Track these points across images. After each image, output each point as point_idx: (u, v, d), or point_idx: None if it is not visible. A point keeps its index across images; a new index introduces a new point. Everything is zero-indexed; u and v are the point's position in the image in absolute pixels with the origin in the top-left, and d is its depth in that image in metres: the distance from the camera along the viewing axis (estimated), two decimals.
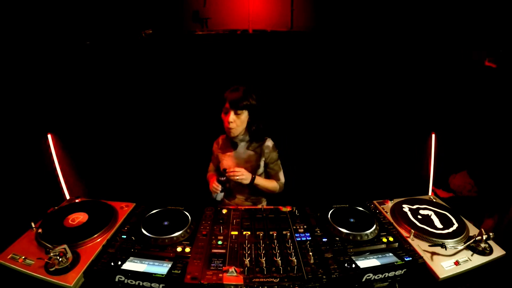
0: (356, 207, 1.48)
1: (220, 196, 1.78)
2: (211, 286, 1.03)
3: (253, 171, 1.84)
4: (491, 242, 1.24)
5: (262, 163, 1.88)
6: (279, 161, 1.95)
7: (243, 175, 1.69)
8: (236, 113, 1.70)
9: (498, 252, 1.21)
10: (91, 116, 2.59)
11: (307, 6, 3.94)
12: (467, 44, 2.56)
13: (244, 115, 1.74)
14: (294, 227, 1.35)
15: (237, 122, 1.73)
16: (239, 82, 1.80)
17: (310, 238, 1.27)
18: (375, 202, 1.57)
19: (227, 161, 1.89)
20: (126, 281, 1.05)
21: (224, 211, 1.46)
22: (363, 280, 1.08)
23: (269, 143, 1.90)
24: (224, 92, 1.76)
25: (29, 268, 1.09)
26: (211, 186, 1.76)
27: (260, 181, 1.82)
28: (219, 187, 1.71)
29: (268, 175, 1.95)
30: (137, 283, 1.05)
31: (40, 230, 1.21)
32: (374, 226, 1.31)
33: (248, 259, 1.12)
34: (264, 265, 1.11)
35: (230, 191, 1.92)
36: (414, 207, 1.50)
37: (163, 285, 1.03)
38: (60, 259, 1.07)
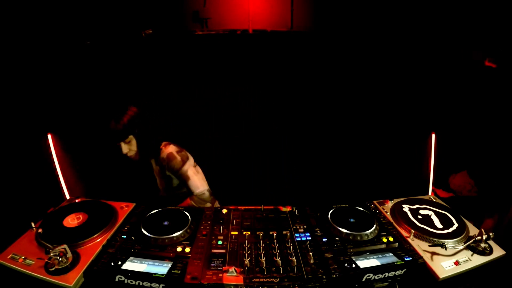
0: (356, 207, 1.47)
1: None
2: (211, 286, 1.03)
3: (168, 184, 1.80)
4: (491, 242, 1.24)
5: (167, 175, 1.81)
6: (186, 168, 1.77)
7: None
8: (125, 143, 1.67)
9: (498, 252, 1.21)
10: (91, 116, 2.58)
11: (307, 6, 3.94)
12: (467, 44, 2.56)
13: (133, 140, 1.69)
14: (294, 227, 1.35)
15: (132, 148, 1.70)
16: (239, 82, 1.78)
17: (310, 238, 1.27)
18: (375, 202, 1.57)
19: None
20: (126, 281, 1.06)
21: (224, 211, 1.46)
22: (363, 280, 1.08)
23: (163, 154, 1.77)
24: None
25: (29, 268, 1.09)
26: None
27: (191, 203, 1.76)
28: None
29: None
30: (137, 283, 1.05)
31: (40, 230, 1.21)
32: (374, 226, 1.31)
33: (248, 259, 1.12)
34: (264, 265, 1.11)
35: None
36: (414, 207, 1.50)
37: (163, 285, 1.03)
38: (60, 259, 1.07)
